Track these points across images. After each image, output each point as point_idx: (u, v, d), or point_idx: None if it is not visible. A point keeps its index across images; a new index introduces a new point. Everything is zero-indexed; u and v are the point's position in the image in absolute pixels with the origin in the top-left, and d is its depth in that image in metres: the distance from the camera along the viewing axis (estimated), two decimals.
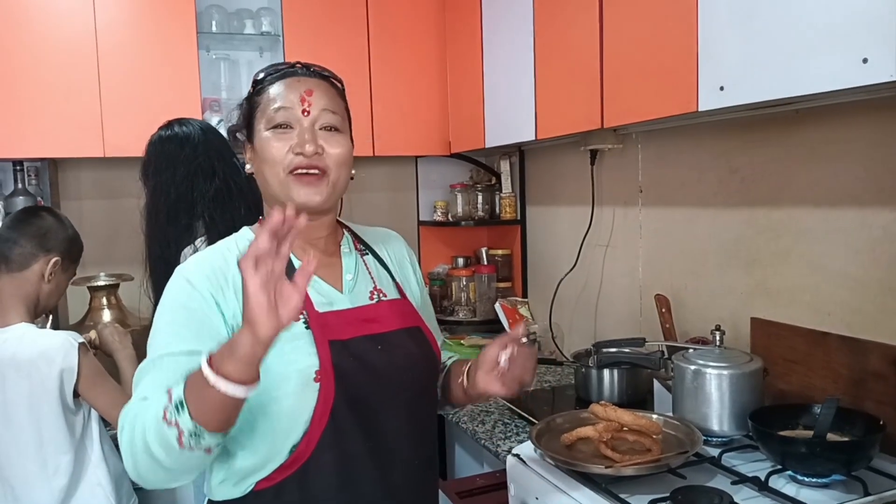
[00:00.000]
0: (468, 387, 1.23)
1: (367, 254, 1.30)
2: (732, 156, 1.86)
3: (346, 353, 1.11)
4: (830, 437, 1.35)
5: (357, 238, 1.32)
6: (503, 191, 2.90)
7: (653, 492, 1.31)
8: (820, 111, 1.60)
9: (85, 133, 2.32)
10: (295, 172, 1.13)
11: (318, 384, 1.07)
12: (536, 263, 2.86)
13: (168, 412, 0.94)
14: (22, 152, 2.31)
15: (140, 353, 1.54)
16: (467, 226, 3.00)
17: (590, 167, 2.37)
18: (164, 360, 1.05)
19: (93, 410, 1.83)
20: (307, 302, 1.13)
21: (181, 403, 0.93)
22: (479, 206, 2.98)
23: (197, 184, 1.84)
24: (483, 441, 1.86)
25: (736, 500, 1.27)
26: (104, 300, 2.34)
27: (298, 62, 1.21)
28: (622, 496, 1.30)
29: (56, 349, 1.73)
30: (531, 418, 1.92)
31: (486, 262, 3.01)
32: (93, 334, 1.94)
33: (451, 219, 3.03)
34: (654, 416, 1.54)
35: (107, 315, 2.31)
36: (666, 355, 1.78)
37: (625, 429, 1.46)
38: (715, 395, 1.53)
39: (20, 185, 2.45)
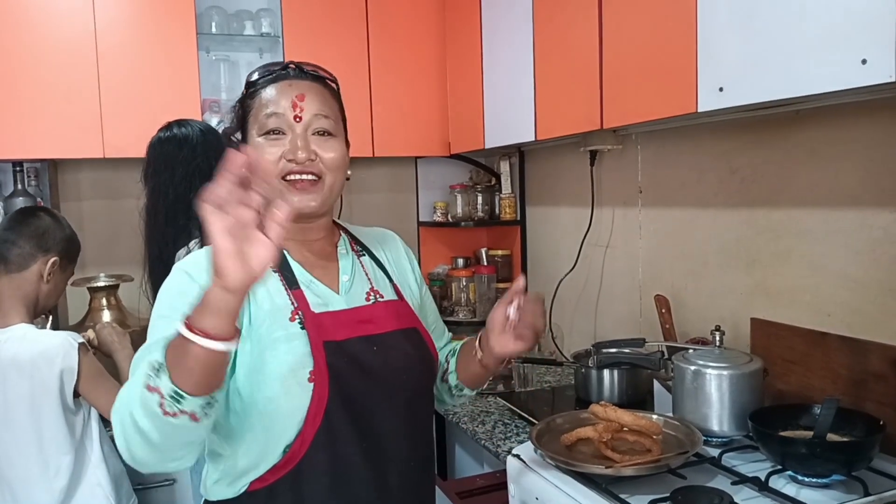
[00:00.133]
0: (484, 357, 1.25)
1: (364, 255, 1.30)
2: (732, 156, 1.86)
3: (340, 353, 1.11)
4: (830, 437, 1.35)
5: (354, 239, 1.31)
6: (503, 191, 2.90)
7: (653, 492, 1.31)
8: (820, 112, 1.60)
9: (85, 134, 2.32)
10: (288, 178, 1.13)
11: (312, 384, 1.07)
12: (536, 264, 2.86)
13: (150, 379, 0.90)
14: (22, 153, 2.32)
15: None
16: (467, 226, 3.00)
17: (589, 168, 2.37)
18: (159, 343, 1.03)
19: (93, 410, 1.83)
20: (303, 302, 1.13)
21: (161, 367, 0.90)
22: (479, 206, 2.98)
23: (195, 185, 1.84)
24: (483, 441, 1.86)
25: (736, 500, 1.27)
26: (104, 301, 2.34)
27: (292, 63, 1.19)
28: (622, 496, 1.30)
29: (56, 349, 1.73)
30: (531, 419, 1.92)
31: (485, 263, 3.01)
32: (91, 334, 1.94)
33: (450, 219, 3.03)
34: (654, 417, 1.54)
35: (107, 316, 2.31)
36: (666, 356, 1.78)
37: (625, 429, 1.46)
38: (715, 395, 1.53)
39: (20, 186, 2.45)
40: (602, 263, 2.42)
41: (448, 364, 1.35)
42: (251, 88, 1.19)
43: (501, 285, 2.92)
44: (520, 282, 1.20)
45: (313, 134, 1.15)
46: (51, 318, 2.16)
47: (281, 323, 1.11)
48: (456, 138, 2.76)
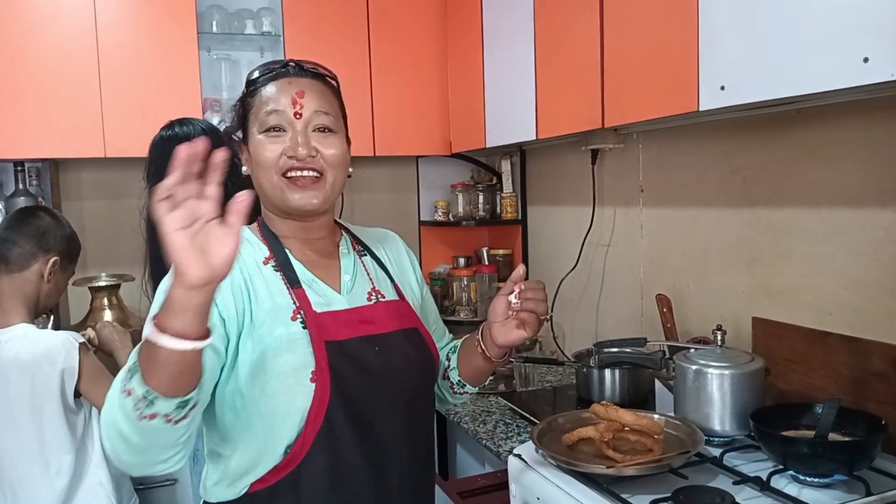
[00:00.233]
0: (487, 348, 1.24)
1: (366, 255, 1.30)
2: (733, 156, 1.86)
3: (342, 354, 1.11)
4: (832, 437, 1.34)
5: (355, 239, 1.31)
6: (504, 191, 2.90)
7: (654, 492, 1.30)
8: (821, 111, 1.60)
9: (86, 133, 2.32)
10: (288, 175, 1.13)
11: (313, 384, 1.07)
12: (537, 263, 2.86)
13: (125, 381, 0.89)
14: (23, 153, 2.32)
15: None
16: (468, 226, 3.00)
17: (591, 167, 2.37)
18: (148, 325, 1.02)
19: (94, 410, 1.84)
20: (305, 302, 1.13)
21: (133, 368, 0.88)
22: (480, 205, 2.98)
23: None
24: (484, 441, 1.86)
25: (738, 500, 1.27)
26: (105, 300, 2.34)
27: (291, 61, 1.19)
28: (624, 496, 1.29)
29: (58, 349, 1.73)
30: (532, 418, 1.92)
31: (487, 262, 3.01)
32: (91, 333, 1.95)
33: (452, 219, 3.03)
34: (656, 416, 1.54)
35: (108, 315, 2.31)
36: (667, 355, 1.78)
37: (626, 429, 1.46)
38: (716, 394, 1.52)
39: (21, 186, 2.45)
40: (603, 263, 2.42)
41: (449, 361, 1.35)
42: (251, 87, 1.19)
43: (502, 285, 2.91)
44: (520, 270, 1.20)
45: (314, 130, 1.15)
46: (52, 317, 2.17)
47: (283, 322, 1.10)
48: (457, 137, 2.76)
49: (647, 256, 2.21)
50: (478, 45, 2.51)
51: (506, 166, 2.88)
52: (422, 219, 3.13)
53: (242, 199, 0.83)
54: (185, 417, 0.91)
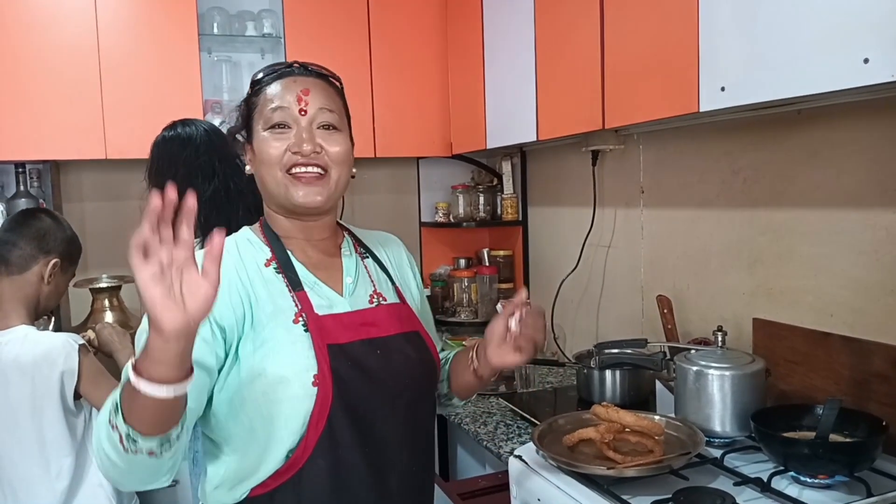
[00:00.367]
0: (479, 367, 1.23)
1: (368, 257, 1.29)
2: (734, 156, 1.86)
3: (343, 357, 1.10)
4: (833, 438, 1.34)
5: (357, 241, 1.31)
6: (505, 192, 2.90)
7: (655, 493, 1.30)
8: (822, 112, 1.60)
9: (87, 135, 2.32)
10: (292, 171, 1.13)
11: (315, 388, 1.06)
12: (538, 264, 2.86)
13: (111, 416, 0.91)
14: (24, 154, 2.32)
15: None
16: (469, 227, 3.00)
17: (591, 168, 2.37)
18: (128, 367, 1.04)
19: (94, 412, 1.84)
20: (307, 304, 1.12)
21: (117, 407, 0.90)
22: (481, 207, 2.98)
23: (196, 185, 1.83)
24: (485, 442, 1.86)
25: (738, 501, 1.27)
26: (106, 302, 2.34)
27: (296, 62, 1.20)
28: (624, 497, 1.29)
29: (58, 351, 1.73)
30: (533, 419, 1.92)
31: (487, 263, 3.01)
32: (91, 334, 1.95)
33: (452, 220, 3.03)
34: (657, 418, 1.54)
35: (109, 317, 2.31)
36: (668, 356, 1.77)
37: (627, 430, 1.46)
38: (717, 396, 1.52)
39: (22, 188, 2.45)
40: (604, 264, 2.42)
41: (440, 373, 1.34)
42: (256, 86, 1.19)
43: (503, 286, 2.92)
44: (522, 294, 1.18)
45: (318, 128, 1.15)
46: (53, 319, 2.17)
47: (284, 325, 1.10)
48: (458, 139, 2.76)
49: (647, 257, 2.21)
50: (478, 46, 2.51)
51: (506, 167, 2.88)
52: (422, 220, 3.13)
53: (216, 243, 0.83)
54: (168, 451, 0.94)
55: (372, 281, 1.25)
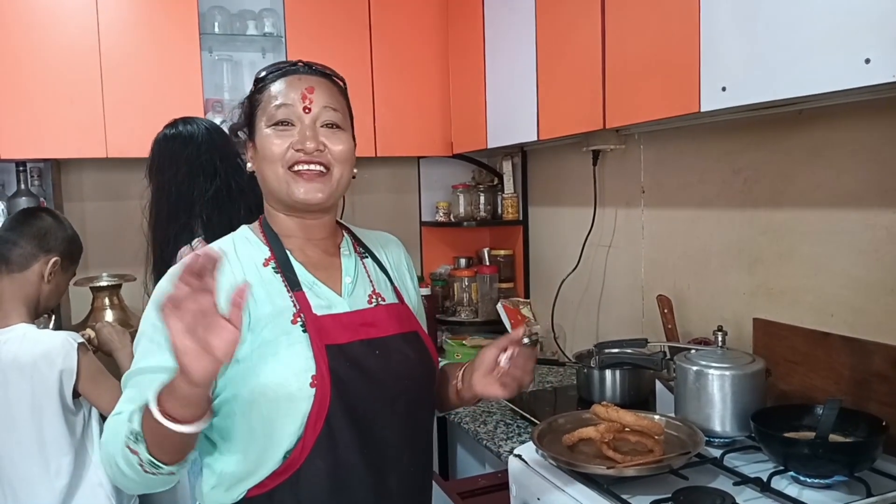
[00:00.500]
0: (462, 389, 1.23)
1: (367, 257, 1.29)
2: (735, 156, 1.86)
3: (342, 357, 1.10)
4: (833, 438, 1.34)
5: (357, 240, 1.31)
6: (505, 191, 2.90)
7: (655, 493, 1.30)
8: (823, 112, 1.60)
9: (88, 134, 2.32)
10: (294, 169, 1.13)
11: (313, 389, 1.06)
12: (538, 264, 2.86)
13: (130, 440, 0.96)
14: (25, 153, 2.32)
15: None
16: (469, 226, 3.00)
17: (592, 168, 2.37)
18: (146, 376, 1.06)
19: (93, 411, 1.84)
20: (305, 304, 1.12)
21: (139, 436, 0.95)
22: (482, 206, 2.98)
23: (197, 183, 1.84)
24: (485, 442, 1.86)
25: (738, 501, 1.27)
26: (106, 300, 2.34)
27: (300, 60, 1.20)
28: (624, 497, 1.29)
29: (56, 350, 1.73)
30: (533, 419, 1.92)
31: (488, 263, 3.01)
32: (90, 332, 1.95)
33: (453, 219, 3.03)
34: (656, 417, 1.54)
35: (109, 315, 2.31)
36: (668, 356, 1.77)
37: (627, 429, 1.46)
38: (717, 395, 1.52)
39: (23, 186, 2.45)
40: (604, 263, 2.42)
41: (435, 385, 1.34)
42: (260, 83, 1.19)
43: (503, 285, 2.92)
44: (519, 332, 1.18)
45: (322, 126, 1.15)
46: (53, 318, 2.17)
47: (282, 326, 1.10)
48: (458, 138, 2.76)
49: (648, 257, 2.21)
50: (479, 45, 2.51)
51: (507, 167, 2.88)
52: (423, 219, 3.13)
53: (240, 293, 0.88)
54: (185, 466, 1.02)
55: (371, 281, 1.25)
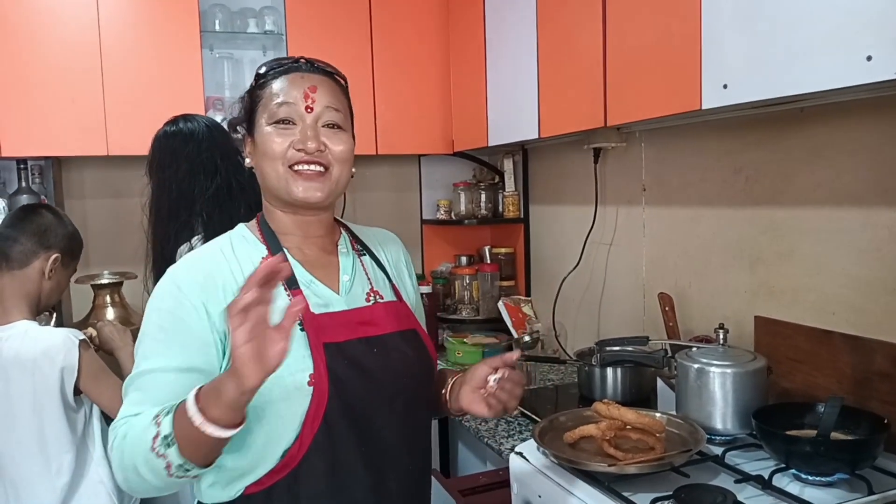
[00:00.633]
0: (450, 400, 1.23)
1: (365, 254, 1.28)
2: (736, 155, 1.85)
3: (340, 356, 1.10)
4: (835, 436, 1.34)
5: (355, 238, 1.30)
6: (506, 189, 2.89)
7: (656, 490, 1.30)
8: (824, 110, 1.59)
9: (88, 132, 2.32)
10: (294, 168, 1.13)
11: (311, 388, 1.06)
12: (540, 262, 2.86)
13: (157, 444, 0.95)
14: (26, 151, 2.32)
15: None
16: (470, 224, 3.00)
17: (593, 166, 2.37)
18: (151, 376, 1.05)
19: (94, 408, 1.84)
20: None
21: (170, 439, 0.94)
22: (483, 204, 2.98)
23: (198, 181, 1.84)
24: (486, 439, 1.86)
25: (739, 498, 1.26)
26: (108, 298, 2.34)
27: (302, 57, 1.19)
28: (625, 494, 1.29)
29: (58, 347, 1.73)
30: (534, 416, 1.92)
31: (489, 261, 3.01)
32: (92, 331, 1.95)
33: (454, 217, 3.03)
34: (658, 415, 1.54)
35: (110, 313, 2.31)
36: (669, 354, 1.77)
37: (628, 427, 1.46)
38: (718, 393, 1.52)
39: (24, 184, 2.46)
40: (606, 261, 2.41)
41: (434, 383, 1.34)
42: (261, 80, 1.19)
43: (504, 283, 2.92)
44: (514, 355, 1.17)
45: (323, 126, 1.15)
46: (54, 315, 2.17)
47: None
48: (459, 136, 2.76)
49: (649, 255, 2.21)
50: (480, 43, 2.51)
51: (508, 165, 2.87)
52: (424, 217, 3.13)
53: (298, 309, 0.90)
54: (207, 472, 1.01)
55: (369, 279, 1.24)
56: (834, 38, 1.22)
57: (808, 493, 1.29)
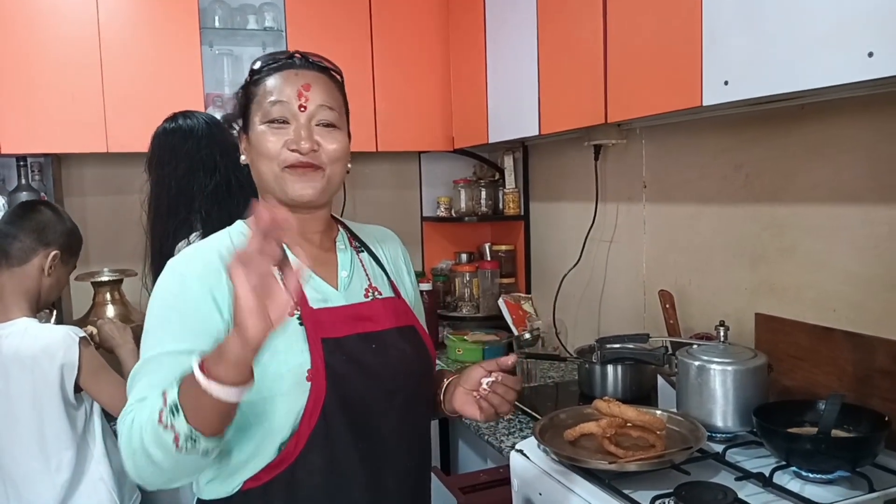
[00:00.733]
0: (444, 401, 1.23)
1: (363, 251, 1.28)
2: (737, 151, 1.85)
3: (338, 351, 1.09)
4: (835, 433, 1.34)
5: (352, 235, 1.30)
6: (507, 186, 2.89)
7: (656, 488, 1.30)
8: (825, 106, 1.59)
9: (88, 129, 2.32)
10: (289, 168, 1.12)
11: (309, 383, 1.06)
12: (540, 259, 2.86)
13: (164, 415, 0.93)
14: (25, 148, 2.31)
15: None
16: (470, 221, 3.00)
17: (593, 162, 2.36)
18: (159, 360, 1.04)
19: (95, 406, 1.83)
20: (301, 298, 1.11)
21: (176, 407, 0.92)
22: (483, 201, 2.97)
23: (197, 178, 1.83)
24: (486, 437, 1.86)
25: (740, 496, 1.26)
26: (108, 295, 2.34)
27: (297, 52, 1.18)
28: (626, 492, 1.29)
29: (58, 344, 1.73)
30: (535, 414, 1.92)
31: (489, 258, 3.01)
32: (92, 329, 1.94)
33: (454, 214, 3.02)
34: (658, 412, 1.54)
35: (110, 310, 2.31)
36: (670, 351, 1.77)
37: (628, 424, 1.45)
38: (719, 391, 1.52)
39: (24, 181, 2.45)
40: (606, 259, 2.41)
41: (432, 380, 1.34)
42: (255, 76, 1.18)
43: (505, 280, 2.92)
44: (510, 360, 1.17)
45: (317, 125, 1.14)
46: (54, 312, 2.17)
47: None
48: (459, 133, 2.75)
49: (649, 252, 2.21)
50: (480, 39, 2.50)
51: (508, 162, 2.87)
52: (424, 214, 3.13)
53: (303, 272, 0.92)
54: (217, 448, 0.98)
55: (367, 275, 1.24)
56: (835, 35, 1.21)
57: (808, 490, 1.29)
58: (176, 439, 0.92)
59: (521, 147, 2.85)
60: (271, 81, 1.15)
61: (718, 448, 1.48)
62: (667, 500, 1.26)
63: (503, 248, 2.98)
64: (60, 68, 2.28)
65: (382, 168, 3.07)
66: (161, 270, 1.13)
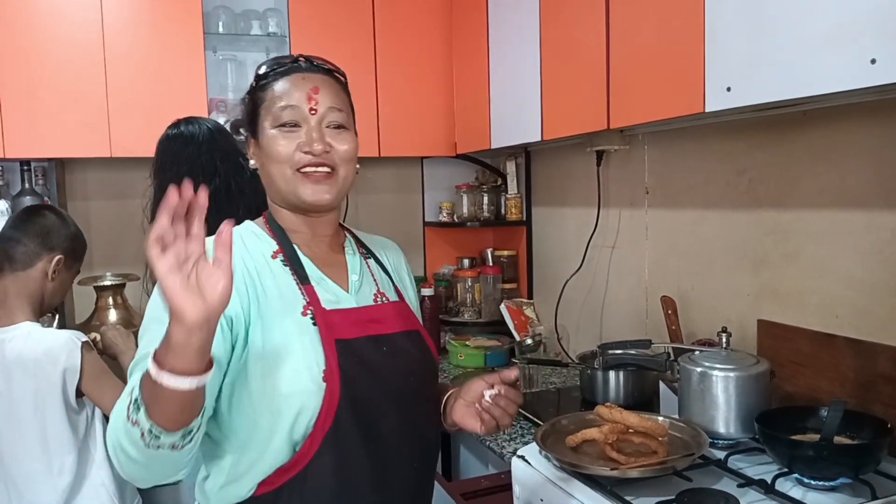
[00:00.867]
0: (445, 414, 1.23)
1: (370, 257, 1.30)
2: (739, 157, 1.85)
3: (350, 353, 1.10)
4: (838, 440, 1.34)
5: (359, 242, 1.32)
6: (509, 192, 2.89)
7: (658, 494, 1.30)
8: (828, 112, 1.59)
9: (92, 133, 2.32)
10: (302, 170, 1.13)
11: (325, 384, 1.06)
12: (542, 265, 2.86)
13: (130, 411, 0.91)
14: (29, 152, 2.32)
15: None
16: (473, 227, 3.00)
17: (596, 168, 2.36)
18: (148, 360, 1.03)
19: (97, 410, 1.84)
20: (314, 298, 1.12)
21: (138, 402, 0.90)
22: (485, 207, 2.97)
23: (197, 183, 1.83)
24: (488, 442, 1.86)
25: (742, 502, 1.26)
26: (110, 300, 2.34)
27: (301, 56, 1.19)
28: (627, 498, 1.29)
29: (60, 348, 1.73)
30: (536, 420, 1.91)
31: (491, 264, 3.01)
32: (95, 336, 1.95)
33: (456, 220, 3.02)
34: (660, 419, 1.53)
35: (113, 315, 2.31)
36: (672, 357, 1.77)
37: (630, 431, 1.45)
38: (721, 397, 1.52)
39: (27, 186, 2.46)
40: (608, 264, 2.41)
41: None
42: (262, 81, 1.19)
43: (507, 286, 2.92)
44: (512, 374, 1.17)
45: (327, 126, 1.15)
46: (57, 316, 2.17)
47: (293, 317, 1.10)
48: (462, 138, 2.75)
49: (651, 258, 2.21)
50: (483, 45, 2.50)
51: (511, 167, 2.87)
52: (426, 220, 3.13)
53: (225, 232, 0.85)
54: (189, 442, 0.94)
55: (375, 280, 1.26)
56: (837, 41, 1.21)
57: (811, 497, 1.29)
58: (143, 435, 0.90)
59: (524, 152, 2.86)
60: (279, 86, 1.16)
61: (720, 455, 1.47)
62: None
63: (505, 253, 2.98)
64: (64, 73, 2.29)
65: (385, 173, 3.07)
66: None
